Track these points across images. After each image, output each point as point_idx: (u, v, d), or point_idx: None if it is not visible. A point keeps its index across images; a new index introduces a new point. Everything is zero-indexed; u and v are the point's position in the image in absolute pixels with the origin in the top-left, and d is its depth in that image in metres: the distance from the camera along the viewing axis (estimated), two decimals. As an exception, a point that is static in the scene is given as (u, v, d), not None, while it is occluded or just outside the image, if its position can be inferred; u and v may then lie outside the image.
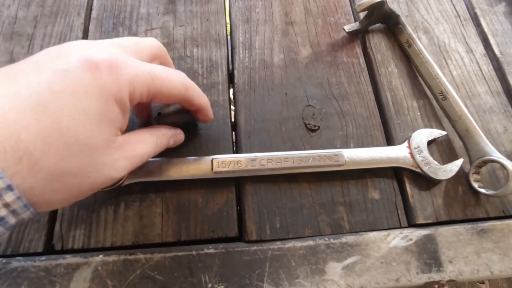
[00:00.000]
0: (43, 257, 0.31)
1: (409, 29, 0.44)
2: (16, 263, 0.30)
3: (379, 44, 0.46)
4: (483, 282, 1.15)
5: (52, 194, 0.22)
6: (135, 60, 0.26)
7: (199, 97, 0.32)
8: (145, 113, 0.36)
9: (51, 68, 0.22)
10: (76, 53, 0.23)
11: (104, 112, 0.23)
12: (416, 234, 0.34)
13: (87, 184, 0.24)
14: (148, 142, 0.29)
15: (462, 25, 0.48)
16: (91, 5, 0.46)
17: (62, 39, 0.42)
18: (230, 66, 0.44)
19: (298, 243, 0.33)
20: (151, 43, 0.30)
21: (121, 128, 0.26)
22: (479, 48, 0.46)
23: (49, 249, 0.32)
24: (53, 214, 0.33)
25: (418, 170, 0.36)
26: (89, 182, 0.24)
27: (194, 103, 0.31)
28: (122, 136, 0.26)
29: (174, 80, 0.28)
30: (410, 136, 0.38)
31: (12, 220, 0.20)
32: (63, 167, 0.22)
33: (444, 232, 0.34)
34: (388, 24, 0.46)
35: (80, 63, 0.23)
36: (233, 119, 0.41)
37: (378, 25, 0.47)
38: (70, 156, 0.22)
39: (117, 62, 0.24)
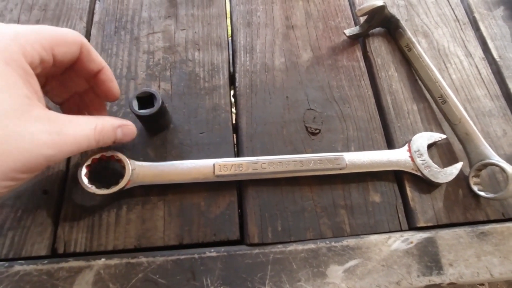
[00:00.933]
0: (46, 261, 0.31)
1: (409, 33, 0.44)
2: (18, 266, 0.30)
3: (379, 48, 0.46)
4: (482, 284, 1.15)
5: None
6: (11, 24, 0.25)
7: (97, 54, 0.31)
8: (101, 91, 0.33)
9: None
10: None
11: None
12: (417, 237, 0.34)
13: (9, 161, 0.22)
14: (84, 125, 0.27)
15: (461, 29, 0.48)
16: (93, 9, 0.46)
17: (64, 43, 0.42)
18: (231, 70, 0.44)
19: (299, 246, 0.33)
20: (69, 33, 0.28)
21: (32, 97, 0.24)
22: (478, 52, 0.46)
23: (51, 253, 0.32)
24: (55, 217, 0.33)
25: (419, 174, 0.36)
26: (10, 158, 0.22)
27: (93, 56, 0.30)
28: (46, 110, 0.25)
29: (63, 30, 0.27)
30: (411, 140, 0.38)
31: None
32: None
33: (444, 235, 0.34)
34: (388, 28, 0.47)
35: None
36: (234, 122, 0.41)
37: (378, 29, 0.47)
38: None
39: None
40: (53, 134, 0.24)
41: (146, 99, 0.34)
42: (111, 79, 0.32)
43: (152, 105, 0.33)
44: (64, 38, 0.27)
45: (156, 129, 0.38)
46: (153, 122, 0.35)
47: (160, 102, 0.33)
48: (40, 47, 0.25)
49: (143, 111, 0.33)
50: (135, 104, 0.33)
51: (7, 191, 0.23)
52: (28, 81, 0.24)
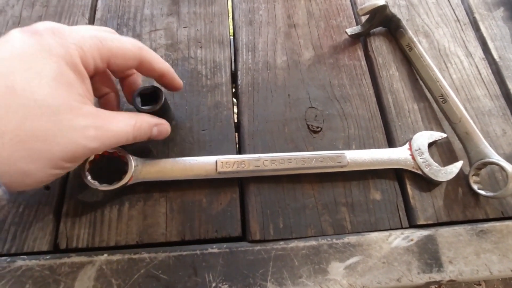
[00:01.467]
0: (48, 256, 0.31)
1: (410, 33, 0.45)
2: (20, 261, 0.30)
3: (380, 47, 0.46)
4: (479, 284, 1.15)
5: (22, 162, 0.22)
6: (79, 27, 0.27)
7: (159, 61, 0.32)
8: (128, 90, 0.36)
9: None
10: (19, 28, 0.25)
11: (58, 75, 0.24)
12: (417, 234, 0.34)
13: (58, 151, 0.24)
14: (125, 122, 0.29)
15: (462, 29, 0.49)
16: (96, 6, 0.46)
17: (66, 39, 0.42)
18: (233, 67, 0.45)
19: (301, 243, 0.33)
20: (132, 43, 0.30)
21: (85, 96, 0.26)
22: (478, 52, 0.47)
23: (53, 248, 0.32)
24: (57, 213, 0.33)
25: (419, 172, 0.37)
26: (59, 148, 0.24)
27: (153, 66, 0.31)
28: (94, 108, 0.27)
29: (125, 41, 0.29)
30: (411, 138, 0.38)
31: None
32: (26, 130, 0.22)
33: (444, 233, 0.35)
34: (390, 27, 0.47)
35: (21, 33, 0.24)
36: (236, 120, 0.41)
37: (379, 28, 0.48)
38: (31, 118, 0.22)
39: (60, 28, 0.25)
40: (99, 129, 0.26)
41: (148, 96, 0.34)
42: (173, 79, 0.34)
43: (155, 102, 0.33)
44: (124, 53, 0.29)
45: None
46: None
47: (163, 98, 0.33)
48: (98, 57, 0.27)
49: (146, 108, 0.33)
50: (138, 101, 0.33)
51: (53, 179, 0.26)
52: (83, 82, 0.26)
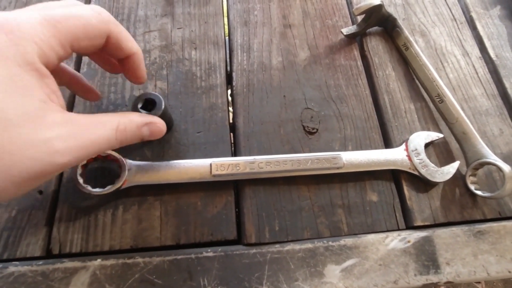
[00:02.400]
0: (41, 262, 0.31)
1: (406, 32, 0.44)
2: (13, 267, 0.30)
3: (376, 47, 0.46)
4: (479, 282, 1.16)
5: None
6: (27, 10, 0.22)
7: (128, 39, 0.28)
8: (108, 62, 0.32)
9: None
10: None
11: (9, 82, 0.20)
12: (414, 236, 0.34)
13: (19, 171, 0.20)
14: (106, 126, 0.25)
15: (458, 28, 0.48)
16: (89, 7, 0.45)
17: (59, 41, 0.42)
18: (228, 69, 0.44)
19: (297, 246, 0.33)
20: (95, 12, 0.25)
21: (49, 99, 0.22)
22: (475, 51, 0.46)
23: (46, 254, 0.32)
24: (50, 218, 0.33)
25: (416, 173, 0.36)
26: (20, 168, 0.20)
27: (121, 44, 0.27)
28: (62, 113, 0.23)
29: (87, 15, 0.24)
30: (408, 139, 0.38)
31: None
32: None
33: (441, 234, 0.34)
34: (386, 27, 0.47)
35: None
36: (231, 122, 0.41)
37: (375, 28, 0.47)
38: None
39: (4, 19, 0.21)
40: (68, 139, 0.22)
41: (147, 101, 0.33)
42: (137, 66, 0.30)
43: (153, 106, 0.33)
44: (86, 31, 0.24)
45: None
46: None
47: (163, 107, 0.33)
48: (58, 46, 0.23)
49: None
50: (139, 108, 0.33)
51: (26, 192, 0.23)
52: (44, 83, 0.22)
